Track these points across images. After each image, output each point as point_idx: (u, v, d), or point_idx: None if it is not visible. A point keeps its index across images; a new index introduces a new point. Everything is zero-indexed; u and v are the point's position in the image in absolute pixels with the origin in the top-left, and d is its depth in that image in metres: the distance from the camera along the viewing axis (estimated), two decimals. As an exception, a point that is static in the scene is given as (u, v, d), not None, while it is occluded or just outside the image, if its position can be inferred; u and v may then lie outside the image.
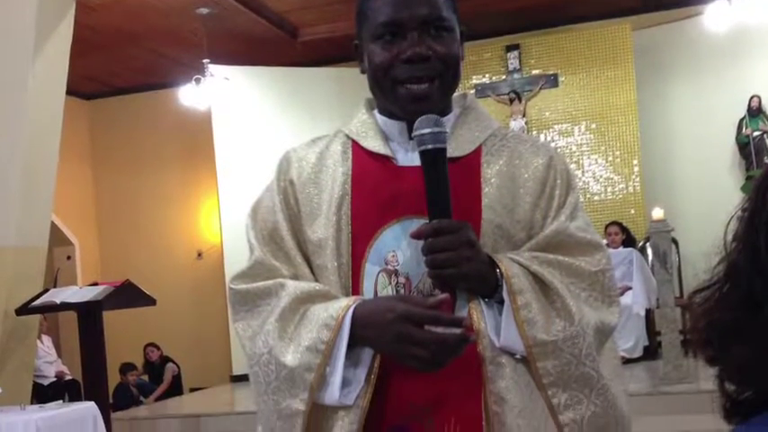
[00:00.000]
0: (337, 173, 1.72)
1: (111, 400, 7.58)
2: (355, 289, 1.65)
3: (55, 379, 9.89)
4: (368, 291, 1.65)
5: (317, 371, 1.54)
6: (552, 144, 9.55)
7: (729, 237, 0.76)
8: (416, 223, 1.60)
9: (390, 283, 1.64)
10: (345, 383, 1.56)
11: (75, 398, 8.97)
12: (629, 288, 8.11)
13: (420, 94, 1.64)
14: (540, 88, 10.24)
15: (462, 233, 1.55)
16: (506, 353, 1.60)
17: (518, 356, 1.61)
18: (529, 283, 1.59)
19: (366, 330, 1.53)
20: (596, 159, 10.07)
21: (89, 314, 6.19)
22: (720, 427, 0.74)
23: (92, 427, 5.22)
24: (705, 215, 8.07)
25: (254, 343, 1.64)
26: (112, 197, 12.17)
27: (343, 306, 1.56)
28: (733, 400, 0.74)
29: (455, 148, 1.68)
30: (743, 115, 9.73)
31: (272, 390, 1.60)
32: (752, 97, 9.67)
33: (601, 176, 10.05)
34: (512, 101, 10.18)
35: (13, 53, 6.41)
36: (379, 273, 1.65)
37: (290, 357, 1.57)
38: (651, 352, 8.59)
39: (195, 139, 11.36)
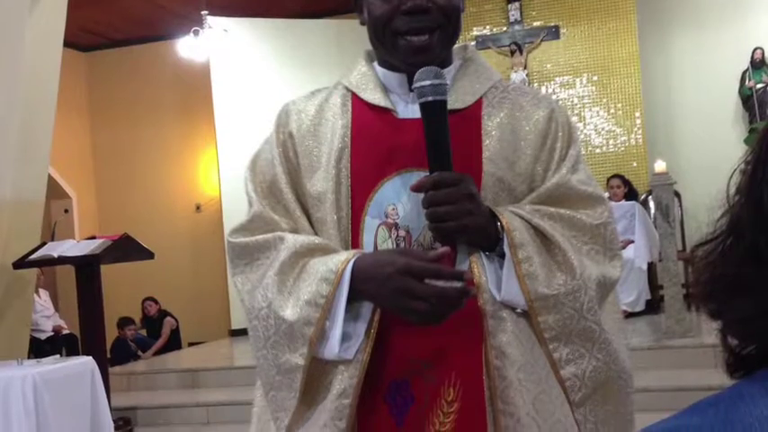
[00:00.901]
0: (337, 125, 1.70)
1: (108, 355, 7.61)
2: (355, 242, 1.64)
3: (52, 333, 9.92)
4: (368, 244, 1.64)
5: (316, 325, 1.54)
6: (554, 96, 9.48)
7: (732, 190, 0.74)
8: (417, 176, 1.58)
9: (390, 236, 1.63)
10: (345, 338, 1.55)
11: (72, 352, 9.02)
12: (631, 242, 8.11)
13: (420, 45, 1.61)
14: (542, 40, 10.15)
15: (463, 186, 1.54)
16: (507, 307, 1.59)
17: (519, 311, 1.60)
18: (530, 236, 1.59)
19: (366, 284, 1.53)
20: (598, 112, 10.02)
21: (87, 268, 6.19)
22: (723, 381, 0.73)
23: (89, 381, 5.23)
24: (708, 168, 8.04)
25: (252, 297, 1.64)
26: (110, 150, 12.14)
27: (342, 260, 1.55)
28: (736, 354, 0.74)
29: (455, 100, 1.66)
30: (746, 67, 9.68)
31: (272, 344, 1.60)
32: (755, 49, 9.60)
33: (602, 129, 10.01)
34: (513, 53, 10.10)
35: (10, 5, 6.34)
36: (379, 226, 1.64)
37: (290, 312, 1.56)
38: (653, 306, 8.62)
39: (193, 92, 11.30)
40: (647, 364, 6.12)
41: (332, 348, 1.55)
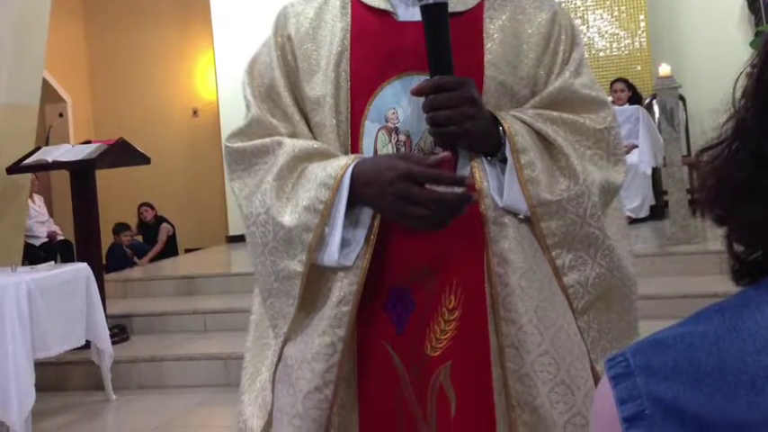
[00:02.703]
0: (336, 28, 1.66)
1: (104, 261, 7.64)
2: (354, 147, 1.62)
3: (47, 239, 9.90)
4: (367, 149, 1.62)
5: (315, 231, 1.53)
6: (556, -1, 9.30)
7: (738, 94, 0.72)
8: (417, 80, 1.56)
9: (390, 140, 1.61)
10: (344, 244, 1.54)
11: (67, 259, 9.04)
12: (635, 146, 8.07)
13: (421, -55, 1.56)
14: (544, -60, 9.89)
15: (464, 90, 1.51)
16: (509, 213, 1.58)
17: (521, 217, 1.59)
18: (532, 141, 1.57)
19: (366, 189, 1.51)
20: (601, 14, 9.86)
21: (82, 173, 6.15)
22: (728, 288, 0.73)
23: (84, 288, 5.25)
24: (713, 71, 7.93)
25: (250, 203, 1.63)
26: (106, 53, 11.98)
27: (342, 165, 1.53)
28: (742, 261, 0.73)
29: (456, 3, 1.62)
30: (752, -32, 9.47)
31: (270, 251, 1.60)
32: (762, -51, 9.37)
33: (606, 32, 9.85)
34: (514, -46, 9.85)
35: None
36: (379, 130, 1.62)
37: (288, 217, 1.55)
38: (658, 212, 8.62)
39: (190, -6, 11.09)
40: (652, 271, 6.12)
41: (331, 255, 1.54)
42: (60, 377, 5.85)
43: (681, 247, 6.74)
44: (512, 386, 1.55)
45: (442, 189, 1.47)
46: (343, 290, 1.55)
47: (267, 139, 1.63)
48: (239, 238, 8.45)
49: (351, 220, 1.55)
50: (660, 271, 6.35)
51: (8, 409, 4.46)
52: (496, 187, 1.58)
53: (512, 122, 1.56)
